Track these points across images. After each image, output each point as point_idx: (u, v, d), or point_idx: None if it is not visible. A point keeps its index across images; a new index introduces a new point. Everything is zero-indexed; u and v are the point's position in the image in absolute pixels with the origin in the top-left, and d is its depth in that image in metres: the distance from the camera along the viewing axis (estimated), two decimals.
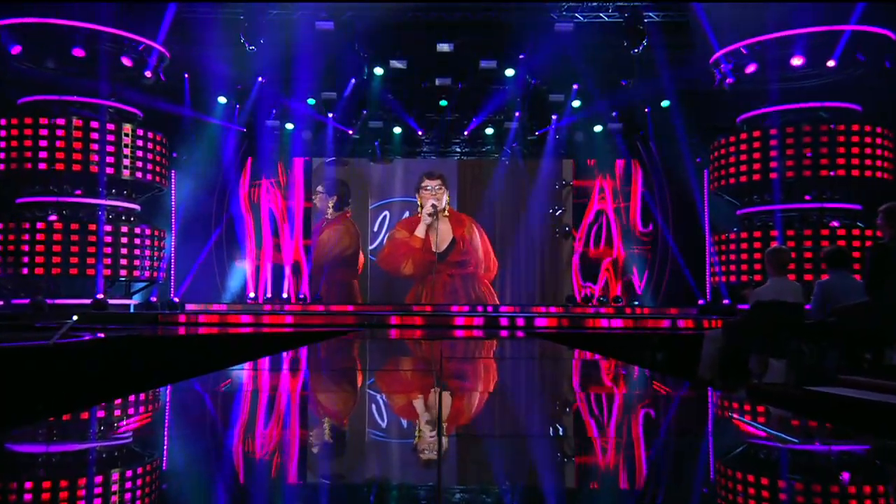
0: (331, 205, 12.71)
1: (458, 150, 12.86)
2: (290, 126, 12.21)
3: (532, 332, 7.04)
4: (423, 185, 12.60)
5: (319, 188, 12.74)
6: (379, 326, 8.50)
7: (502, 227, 12.72)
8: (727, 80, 10.09)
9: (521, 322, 8.42)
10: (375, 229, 12.79)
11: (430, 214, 12.46)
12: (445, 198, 12.64)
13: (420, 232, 12.57)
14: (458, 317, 9.02)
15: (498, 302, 12.30)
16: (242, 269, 12.40)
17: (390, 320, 8.67)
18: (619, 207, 12.44)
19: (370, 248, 12.76)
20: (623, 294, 12.20)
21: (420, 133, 12.41)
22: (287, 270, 12.32)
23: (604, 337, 7.25)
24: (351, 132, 12.27)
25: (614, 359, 3.72)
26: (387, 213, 12.82)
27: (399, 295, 12.46)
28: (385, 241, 12.62)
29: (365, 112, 12.03)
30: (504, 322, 8.54)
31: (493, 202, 12.71)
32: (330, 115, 12.05)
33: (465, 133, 12.42)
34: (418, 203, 12.60)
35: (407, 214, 12.75)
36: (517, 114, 12.01)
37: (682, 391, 2.77)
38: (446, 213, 12.64)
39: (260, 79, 11.33)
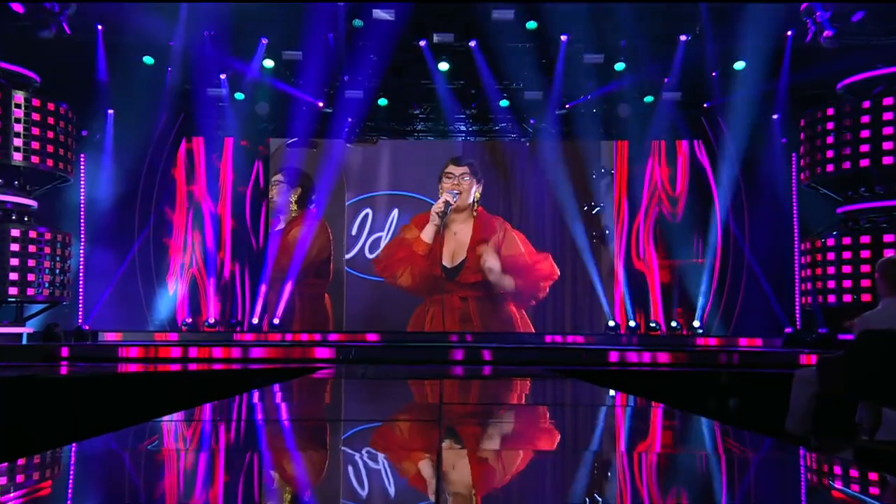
0: (294, 199, 12.80)
1: (463, 128, 12.92)
2: (239, 96, 12.26)
3: (562, 370, 7.07)
4: (446, 171, 12.73)
5: (279, 177, 12.82)
6: (361, 362, 8.58)
7: (522, 226, 12.80)
8: (824, 33, 10.11)
9: (544, 356, 8.48)
10: (354, 232, 12.85)
11: (439, 213, 12.49)
12: (474, 192, 12.70)
13: (426, 235, 12.63)
14: (455, 348, 9.13)
15: (533, 331, 12.37)
16: (176, 286, 12.46)
17: (374, 354, 8.72)
18: (675, 204, 12.51)
19: (347, 256, 12.81)
20: (682, 319, 12.23)
21: (413, 106, 12.46)
22: (237, 288, 12.42)
23: (656, 376, 7.31)
24: (321, 104, 12.33)
25: (671, 405, 3.74)
26: (368, 210, 12.88)
27: (394, 316, 12.51)
28: (389, 239, 12.82)
29: (346, 78, 12.04)
30: (522, 356, 8.58)
31: (506, 196, 12.79)
32: (293, 81, 12.10)
33: (473, 106, 12.47)
34: (440, 195, 12.72)
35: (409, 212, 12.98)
36: (542, 80, 12.07)
37: (763, 451, 2.76)
38: (474, 213, 12.71)
39: (207, 32, 11.36)
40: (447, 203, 12.47)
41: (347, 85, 12.10)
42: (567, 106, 12.43)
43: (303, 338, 11.61)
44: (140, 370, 7.15)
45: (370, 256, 12.76)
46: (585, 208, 12.62)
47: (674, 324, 12.16)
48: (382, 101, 12.48)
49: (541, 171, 12.72)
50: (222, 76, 11.95)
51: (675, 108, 12.15)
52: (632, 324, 12.26)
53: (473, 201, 12.64)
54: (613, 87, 12.02)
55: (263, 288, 12.51)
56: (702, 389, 6.73)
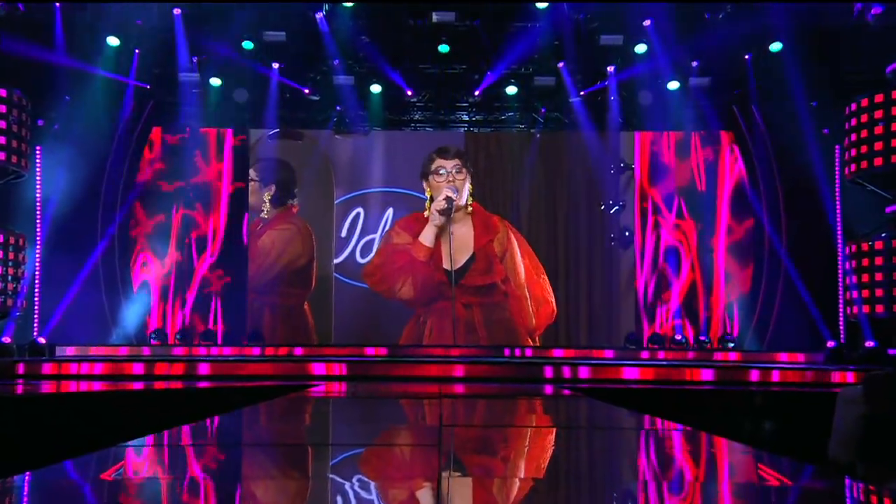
0: (267, 198, 12.75)
1: (466, 117, 12.94)
2: (215, 82, 12.28)
3: (576, 387, 7.21)
4: (433, 167, 12.59)
5: (252, 173, 12.84)
6: (351, 379, 8.61)
7: (530, 230, 12.79)
8: (872, 10, 10.10)
9: (559, 372, 8.48)
10: (344, 233, 12.85)
11: (441, 212, 12.36)
12: (468, 187, 12.61)
13: (426, 238, 12.54)
14: (457, 363, 9.12)
15: (539, 343, 12.37)
16: (145, 294, 12.46)
17: (368, 369, 8.74)
18: (702, 202, 12.52)
19: (336, 261, 12.81)
20: (711, 331, 12.26)
21: (410, 93, 12.47)
22: (211, 297, 12.44)
23: (682, 395, 7.34)
24: (307, 91, 12.36)
25: (698, 429, 3.76)
26: (360, 209, 12.89)
27: (388, 329, 12.47)
28: (377, 248, 12.67)
29: (335, 63, 12.05)
30: (533, 372, 8.61)
31: (516, 194, 12.79)
32: (276, 65, 12.10)
33: (477, 93, 12.47)
34: (426, 194, 12.59)
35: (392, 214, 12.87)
36: (554, 64, 12.09)
37: (803, 481, 2.75)
38: (469, 209, 12.62)
39: (176, 10, 11.35)
40: (449, 199, 12.30)
41: (336, 70, 12.10)
42: (582, 93, 12.43)
43: (296, 352, 11.57)
44: (103, 388, 7.13)
45: (362, 261, 12.74)
46: (602, 207, 12.63)
47: (703, 338, 12.15)
48: (375, 88, 12.45)
49: (552, 165, 12.74)
50: (194, 59, 11.94)
51: (704, 95, 12.14)
52: (656, 336, 12.28)
53: (468, 195, 12.52)
54: (634, 71, 12.02)
55: (240, 297, 12.54)
56: (734, 410, 6.74)
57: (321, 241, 12.84)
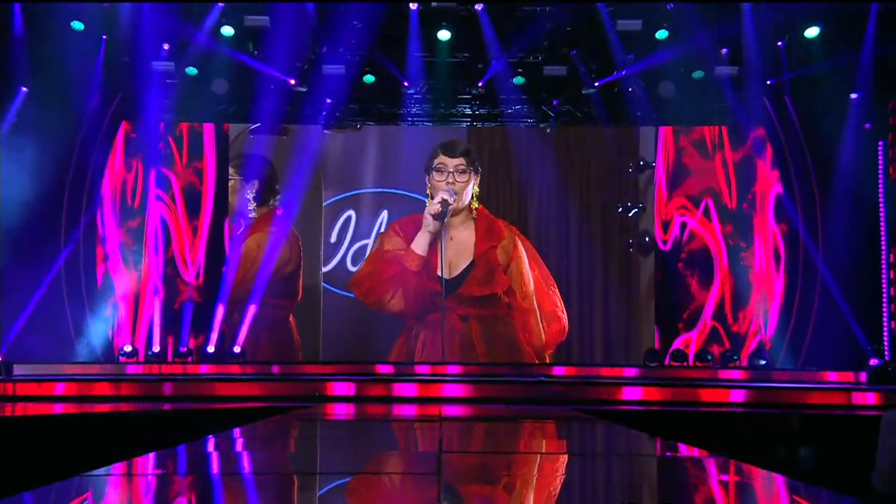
0: (250, 196, 12.79)
1: (469, 110, 12.95)
2: (192, 71, 12.30)
3: (590, 409, 7.28)
4: (435, 162, 12.50)
5: (231, 171, 12.88)
6: (338, 400, 8.64)
7: (538, 235, 12.80)
8: None
9: (569, 393, 8.56)
10: (334, 239, 12.86)
11: (435, 216, 12.21)
12: (472, 188, 12.50)
13: (419, 245, 12.42)
14: (455, 382, 9.20)
15: (547, 360, 12.35)
16: (112, 307, 12.46)
17: (354, 390, 8.75)
18: (731, 203, 12.54)
19: (324, 269, 12.83)
20: (741, 348, 12.23)
21: (406, 84, 12.47)
22: (188, 309, 12.47)
23: (709, 418, 7.38)
24: (293, 82, 12.37)
25: (726, 456, 3.77)
26: (351, 212, 12.91)
27: (379, 343, 12.47)
28: (368, 253, 12.67)
29: (325, 49, 12.08)
30: (541, 393, 8.65)
31: (523, 195, 12.80)
32: (259, 53, 12.14)
33: (480, 84, 12.49)
34: (428, 192, 12.54)
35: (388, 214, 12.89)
36: (565, 52, 12.10)
37: None
38: (474, 212, 12.53)
39: None
40: (445, 203, 12.12)
41: (326, 58, 12.12)
42: (596, 84, 12.39)
43: (277, 370, 11.49)
44: (66, 411, 7.15)
45: (353, 269, 12.75)
46: (620, 210, 12.64)
47: (731, 354, 12.12)
48: (368, 78, 12.47)
49: (563, 163, 12.77)
50: (165, 46, 11.95)
51: (732, 86, 12.14)
52: (679, 352, 12.24)
53: (472, 197, 12.45)
54: (655, 60, 12.00)
55: (220, 309, 12.51)
56: (766, 435, 6.81)
57: (308, 247, 12.84)
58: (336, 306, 12.68)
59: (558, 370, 11.56)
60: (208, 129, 12.87)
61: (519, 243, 12.50)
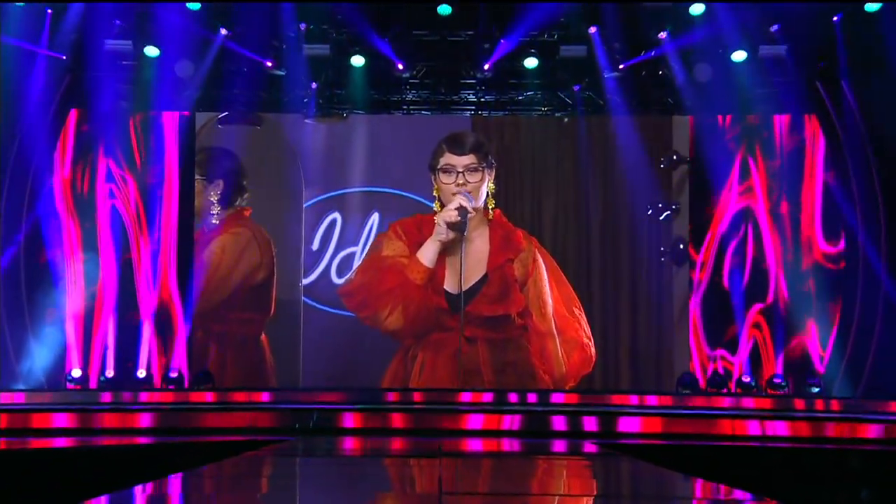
0: (214, 198, 12.62)
1: (474, 97, 12.89)
2: (152, 52, 12.24)
3: (614, 444, 7.37)
4: (441, 162, 11.52)
5: (196, 168, 12.85)
6: (321, 433, 8.61)
7: (555, 242, 12.71)
8: None
9: (591, 425, 8.57)
10: (316, 246, 12.88)
11: (451, 226, 11.12)
12: (486, 188, 11.63)
13: (426, 255, 11.68)
14: (460, 412, 9.26)
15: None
16: (60, 326, 12.37)
17: (343, 421, 8.75)
18: (778, 207, 12.47)
19: (305, 282, 12.82)
20: (790, 373, 12.13)
21: (401, 67, 12.34)
22: (147, 327, 12.35)
23: (754, 455, 7.45)
24: (270, 64, 12.30)
25: (776, 499, 3.70)
26: (336, 215, 12.95)
27: (367, 367, 12.25)
28: (362, 258, 12.41)
29: (303, 27, 12.04)
30: (558, 424, 8.71)
31: (536, 196, 12.83)
32: (224, 31, 12.07)
33: (487, 67, 12.37)
34: (435, 195, 11.79)
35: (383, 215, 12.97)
36: (587, 30, 12.06)
37: None
38: (490, 214, 11.67)
39: None
40: (463, 210, 10.98)
41: (307, 36, 12.10)
42: (622, 66, 12.31)
43: (258, 398, 11.25)
44: (3, 447, 7.12)
45: (339, 281, 12.68)
46: (650, 211, 12.64)
47: (778, 381, 11.98)
48: (358, 61, 12.36)
49: (584, 158, 12.80)
50: (119, 23, 11.96)
51: (779, 68, 12.09)
52: (718, 378, 12.15)
53: (487, 197, 11.56)
54: (689, 39, 11.95)
55: (183, 327, 12.45)
56: (821, 474, 6.79)
57: (286, 256, 12.79)
58: (319, 324, 12.72)
59: (575, 398, 11.37)
60: (171, 119, 12.78)
61: (539, 258, 11.97)
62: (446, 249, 11.89)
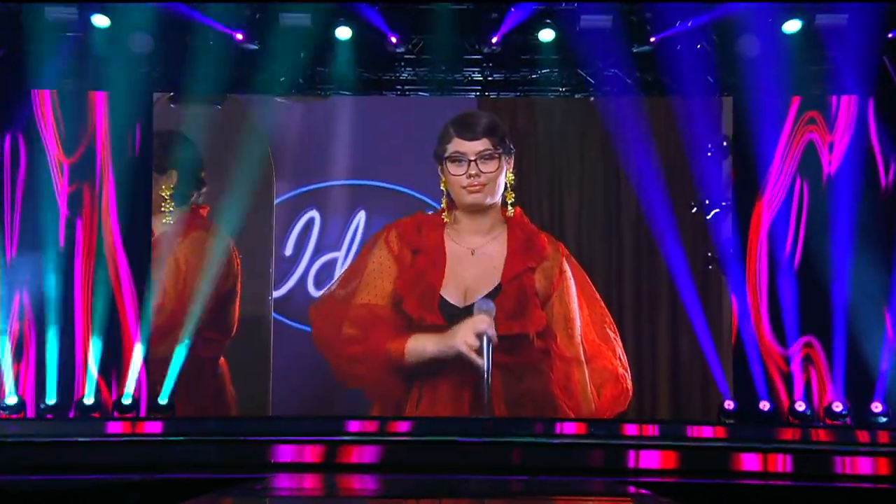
0: (166, 192, 12.55)
1: (479, 76, 12.91)
2: (101, 21, 12.19)
3: (648, 483, 7.61)
4: (448, 150, 11.58)
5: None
6: (296, 469, 9.07)
7: (579, 247, 12.62)
8: None
9: (624, 458, 9.01)
10: (290, 251, 12.73)
11: (472, 350, 11.09)
12: (504, 177, 11.66)
13: (416, 350, 11.59)
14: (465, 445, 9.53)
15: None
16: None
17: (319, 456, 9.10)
18: (839, 198, 12.33)
19: (275, 294, 12.70)
20: (852, 399, 12.01)
21: (394, 40, 12.33)
22: (99, 347, 12.20)
23: (809, 495, 7.87)
24: (240, 37, 12.28)
25: None
26: (314, 214, 12.82)
27: (351, 394, 12.03)
28: (347, 266, 12.34)
29: None
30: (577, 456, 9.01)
31: (554, 190, 12.79)
32: None
33: (494, 40, 12.35)
34: (442, 188, 11.76)
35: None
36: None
37: None
38: (509, 210, 11.75)
39: None
40: (486, 338, 10.77)
41: (284, 5, 12.11)
42: (653, 39, 12.35)
43: (209, 428, 11.34)
44: None
45: (317, 293, 12.54)
46: (694, 209, 12.55)
47: (836, 410, 11.86)
48: (343, 33, 12.35)
49: (611, 147, 12.61)
50: None
51: (836, 42, 12.11)
52: (771, 406, 12.05)
53: (505, 190, 11.62)
54: (730, 8, 11.97)
55: (136, 348, 12.31)
56: None
57: (253, 263, 12.71)
58: (292, 345, 12.57)
59: (604, 428, 11.19)
60: (121, 100, 12.56)
61: (567, 269, 11.77)
62: (445, 355, 11.48)
